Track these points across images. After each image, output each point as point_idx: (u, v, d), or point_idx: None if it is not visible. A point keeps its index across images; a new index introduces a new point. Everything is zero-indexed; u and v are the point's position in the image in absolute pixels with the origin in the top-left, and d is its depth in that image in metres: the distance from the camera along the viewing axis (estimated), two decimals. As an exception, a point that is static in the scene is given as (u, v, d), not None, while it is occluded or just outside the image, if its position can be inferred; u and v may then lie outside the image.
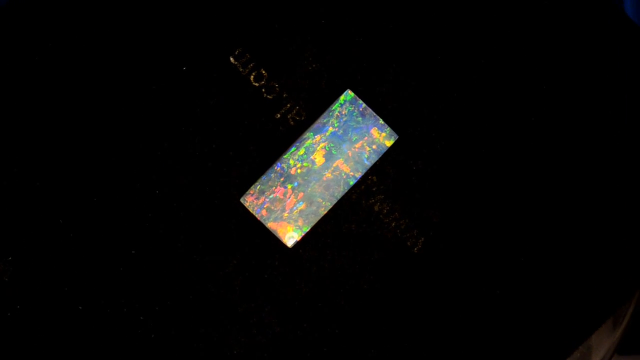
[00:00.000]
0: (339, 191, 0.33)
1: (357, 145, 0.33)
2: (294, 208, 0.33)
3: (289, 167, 0.33)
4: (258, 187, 0.33)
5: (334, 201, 0.33)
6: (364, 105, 0.33)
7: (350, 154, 0.33)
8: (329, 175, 0.33)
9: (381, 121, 0.33)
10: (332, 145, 0.33)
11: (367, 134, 0.33)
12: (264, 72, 0.34)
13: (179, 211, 0.34)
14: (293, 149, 0.33)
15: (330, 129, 0.33)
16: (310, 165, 0.33)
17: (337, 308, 0.34)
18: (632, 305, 0.36)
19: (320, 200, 0.33)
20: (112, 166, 0.34)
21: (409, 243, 0.34)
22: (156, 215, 0.34)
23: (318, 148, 0.33)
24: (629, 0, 0.38)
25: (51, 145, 0.34)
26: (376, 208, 0.34)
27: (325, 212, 0.33)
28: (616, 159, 0.34)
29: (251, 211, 0.33)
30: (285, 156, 0.33)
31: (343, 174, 0.33)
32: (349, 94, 0.33)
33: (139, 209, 0.34)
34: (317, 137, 0.33)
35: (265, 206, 0.33)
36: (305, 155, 0.33)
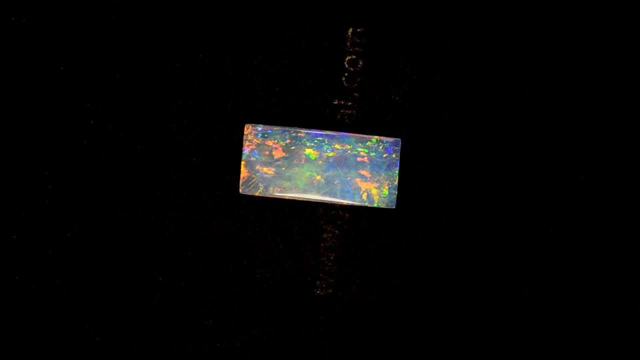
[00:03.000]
0: (313, 196, 0.33)
1: (361, 182, 0.33)
2: (273, 169, 0.33)
3: (302, 142, 0.33)
4: (267, 131, 0.33)
5: (302, 198, 0.33)
6: (397, 161, 0.33)
7: (349, 181, 0.33)
8: (321, 178, 0.33)
9: (396, 183, 0.33)
10: (345, 161, 0.33)
11: (377, 182, 0.33)
12: (360, 63, 0.34)
13: (186, 99, 0.34)
14: (318, 135, 0.33)
15: (357, 150, 0.33)
16: (316, 157, 0.33)
17: (220, 270, 0.34)
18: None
19: (295, 186, 0.33)
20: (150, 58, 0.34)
21: (317, 282, 0.34)
22: (167, 101, 0.34)
23: (333, 152, 0.33)
24: None
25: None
26: (324, 235, 0.34)
27: (288, 198, 0.33)
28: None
29: (243, 139, 0.33)
30: (307, 131, 0.33)
31: (329, 188, 0.33)
32: (396, 142, 0.33)
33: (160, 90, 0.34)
34: (342, 145, 0.33)
35: (254, 146, 0.33)
36: (320, 146, 0.33)
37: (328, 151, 0.33)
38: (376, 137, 0.33)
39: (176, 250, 0.34)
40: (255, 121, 0.34)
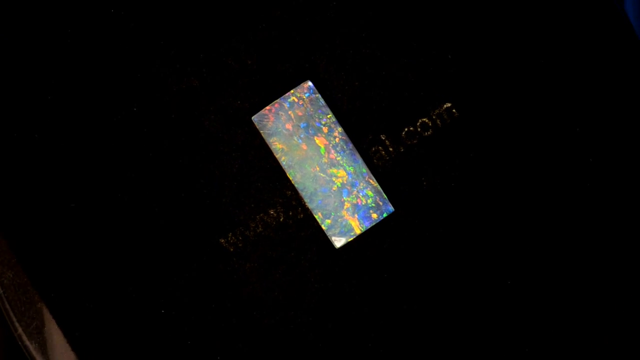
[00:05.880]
0: (294, 176, 0.33)
1: (336, 206, 0.33)
2: (290, 128, 0.33)
3: (332, 135, 0.33)
4: (320, 101, 0.33)
5: (285, 169, 0.33)
6: (374, 222, 0.33)
7: (329, 196, 0.33)
8: (313, 171, 0.33)
9: (356, 233, 0.33)
10: (349, 180, 0.33)
11: (344, 218, 0.33)
12: (429, 133, 0.34)
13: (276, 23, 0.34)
14: (348, 145, 0.33)
15: (359, 182, 0.33)
16: (325, 155, 0.33)
17: (172, 154, 0.34)
18: None
19: (289, 155, 0.33)
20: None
21: (229, 235, 0.34)
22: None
23: (342, 166, 0.33)
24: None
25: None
26: (271, 210, 0.34)
27: (276, 157, 0.33)
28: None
29: (295, 87, 0.33)
30: (343, 134, 0.33)
31: (309, 183, 0.33)
32: (388, 209, 0.33)
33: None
34: (354, 169, 0.33)
35: (296, 99, 0.33)
36: (338, 152, 0.33)
37: (340, 160, 0.33)
38: (381, 189, 0.33)
39: (154, 110, 0.34)
40: (319, 89, 0.34)
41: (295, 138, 0.33)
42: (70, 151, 0.34)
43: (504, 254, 0.34)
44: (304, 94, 0.33)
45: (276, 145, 0.33)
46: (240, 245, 0.34)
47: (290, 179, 0.33)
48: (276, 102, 0.33)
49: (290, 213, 0.34)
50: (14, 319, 0.34)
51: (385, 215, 0.33)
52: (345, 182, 0.33)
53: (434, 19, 0.34)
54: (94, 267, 0.34)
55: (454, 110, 0.34)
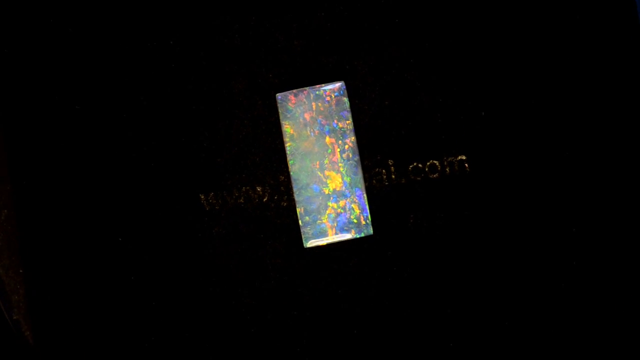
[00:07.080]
0: (294, 165, 0.33)
1: (321, 207, 0.33)
2: (309, 117, 0.33)
3: (344, 141, 0.33)
4: (344, 102, 0.33)
5: (287, 153, 0.33)
6: (351, 238, 0.33)
7: (317, 195, 0.33)
8: (313, 166, 0.33)
9: (329, 242, 0.33)
10: (342, 189, 0.33)
11: (323, 222, 0.33)
12: (435, 176, 0.34)
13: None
14: (354, 157, 0.33)
15: (351, 194, 0.33)
16: (329, 156, 0.33)
17: (187, 103, 0.34)
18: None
19: (297, 142, 0.33)
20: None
21: (211, 195, 0.34)
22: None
23: (343, 173, 0.33)
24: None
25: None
26: (258, 187, 0.34)
27: (283, 139, 0.33)
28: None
29: (331, 84, 0.33)
30: (353, 143, 0.33)
31: (304, 175, 0.33)
32: (369, 231, 0.33)
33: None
34: (351, 178, 0.33)
35: (324, 94, 0.33)
36: (342, 159, 0.33)
37: (341, 167, 0.33)
38: (368, 209, 0.33)
39: (187, 51, 0.34)
40: (350, 94, 0.34)
41: (308, 129, 0.33)
42: (87, 63, 0.34)
43: (463, 319, 0.34)
44: (333, 92, 0.33)
45: (287, 129, 0.33)
46: (216, 207, 0.34)
47: (289, 165, 0.33)
48: (305, 89, 0.33)
49: (276, 197, 0.34)
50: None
51: (362, 235, 0.33)
52: (337, 189, 0.33)
53: (482, 75, 0.34)
54: (71, 179, 0.34)
55: (466, 165, 0.34)
